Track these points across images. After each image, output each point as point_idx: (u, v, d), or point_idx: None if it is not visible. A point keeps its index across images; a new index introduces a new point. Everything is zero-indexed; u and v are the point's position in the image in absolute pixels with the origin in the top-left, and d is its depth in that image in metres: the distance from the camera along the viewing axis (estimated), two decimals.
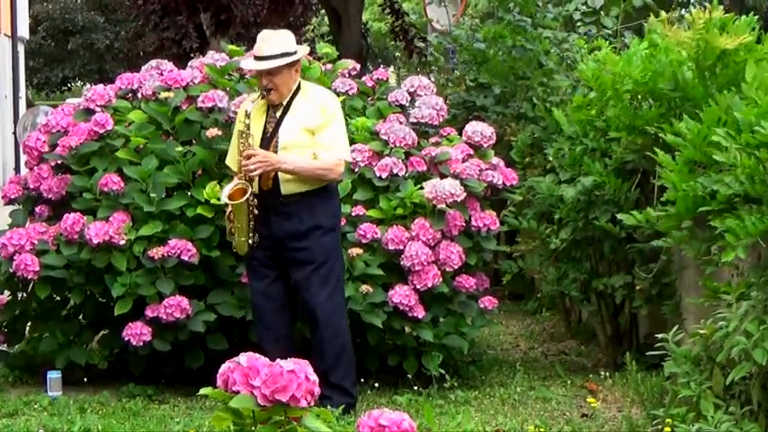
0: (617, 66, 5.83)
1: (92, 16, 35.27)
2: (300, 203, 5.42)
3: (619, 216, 5.49)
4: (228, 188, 5.44)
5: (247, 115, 5.43)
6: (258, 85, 5.54)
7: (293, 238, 5.42)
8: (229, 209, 5.46)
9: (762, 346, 4.14)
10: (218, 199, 5.71)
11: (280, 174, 5.40)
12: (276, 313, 5.55)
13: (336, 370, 5.44)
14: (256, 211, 5.44)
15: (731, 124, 4.56)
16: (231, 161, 5.58)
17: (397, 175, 6.09)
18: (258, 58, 5.43)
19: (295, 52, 5.45)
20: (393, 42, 16.17)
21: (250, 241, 5.46)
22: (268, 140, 5.45)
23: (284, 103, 5.45)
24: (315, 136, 5.41)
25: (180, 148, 6.03)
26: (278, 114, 5.47)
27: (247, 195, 5.38)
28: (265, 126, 5.48)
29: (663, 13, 6.08)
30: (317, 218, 5.42)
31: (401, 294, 5.84)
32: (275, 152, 5.40)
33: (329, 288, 5.45)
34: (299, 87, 5.50)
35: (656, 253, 5.73)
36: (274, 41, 5.43)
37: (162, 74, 6.40)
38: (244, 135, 5.41)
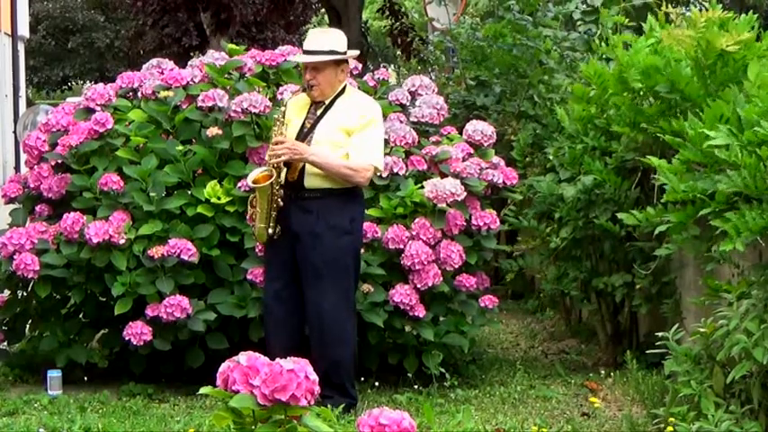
0: (624, 58, 5.82)
1: (92, 15, 35.29)
2: (321, 201, 5.40)
3: (619, 215, 5.49)
4: (255, 172, 5.46)
5: (284, 104, 5.46)
6: (303, 79, 5.57)
7: (308, 235, 5.40)
8: (253, 194, 5.47)
9: (762, 345, 4.14)
10: (219, 198, 5.70)
11: (306, 166, 5.39)
12: (287, 316, 5.53)
13: (338, 371, 5.42)
14: (281, 202, 5.43)
15: (733, 122, 4.56)
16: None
17: (397, 174, 6.09)
18: (306, 52, 5.49)
19: (344, 53, 5.48)
20: (392, 46, 16.17)
21: (270, 230, 5.45)
22: (304, 136, 5.47)
23: (326, 103, 5.47)
24: (351, 137, 5.41)
25: (180, 147, 6.03)
26: (318, 113, 5.48)
27: (271, 180, 5.37)
28: (304, 122, 5.50)
29: (668, 8, 6.06)
30: (334, 219, 5.41)
31: (402, 293, 5.84)
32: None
33: (338, 290, 5.43)
34: (344, 90, 5.51)
35: (655, 249, 5.73)
36: (324, 38, 5.49)
37: (162, 73, 6.41)
38: (278, 123, 5.44)
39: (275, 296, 5.54)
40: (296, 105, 5.54)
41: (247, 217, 5.64)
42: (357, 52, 5.88)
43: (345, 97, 5.51)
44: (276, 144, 5.37)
